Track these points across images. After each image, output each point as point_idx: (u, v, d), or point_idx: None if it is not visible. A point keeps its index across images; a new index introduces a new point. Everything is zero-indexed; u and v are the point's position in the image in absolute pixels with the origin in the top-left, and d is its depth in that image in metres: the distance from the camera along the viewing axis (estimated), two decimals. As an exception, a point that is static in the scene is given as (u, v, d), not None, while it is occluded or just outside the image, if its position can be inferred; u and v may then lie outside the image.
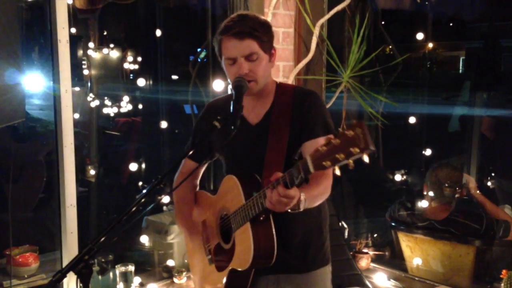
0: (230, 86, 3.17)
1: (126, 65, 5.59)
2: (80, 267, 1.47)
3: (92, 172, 4.70)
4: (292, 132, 1.81)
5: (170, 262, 3.31)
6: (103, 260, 3.23)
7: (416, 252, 3.60)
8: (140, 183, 5.15)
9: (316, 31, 3.24)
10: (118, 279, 2.98)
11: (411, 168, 4.86)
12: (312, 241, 1.91)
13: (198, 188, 2.13)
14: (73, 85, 2.71)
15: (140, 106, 6.10)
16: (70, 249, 2.70)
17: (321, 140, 1.72)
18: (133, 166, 4.73)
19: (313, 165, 1.40)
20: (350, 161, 1.32)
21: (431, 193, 3.58)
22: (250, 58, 1.77)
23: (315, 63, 3.34)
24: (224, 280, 1.84)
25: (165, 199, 3.70)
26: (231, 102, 1.70)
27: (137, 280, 3.09)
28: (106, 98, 5.68)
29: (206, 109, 2.08)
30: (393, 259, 3.77)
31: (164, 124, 4.62)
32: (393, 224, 3.76)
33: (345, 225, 3.42)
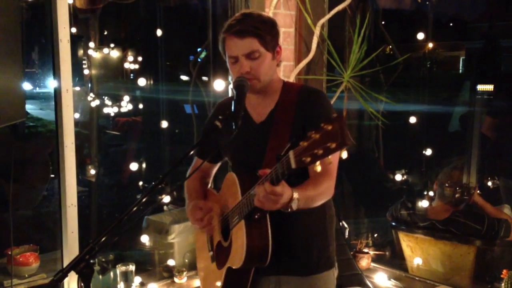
0: (230, 86, 3.19)
1: (127, 65, 5.58)
2: (82, 266, 1.46)
3: (92, 172, 4.69)
4: (294, 131, 1.79)
5: (171, 262, 3.31)
6: (103, 259, 3.23)
7: (417, 252, 3.60)
8: (141, 183, 5.15)
9: (317, 31, 3.24)
10: (118, 278, 2.98)
11: (411, 168, 4.86)
12: (315, 243, 1.87)
13: (209, 186, 2.13)
14: (74, 85, 2.71)
15: (141, 106, 6.10)
16: (71, 248, 2.69)
17: None
18: (134, 166, 4.73)
19: (295, 161, 1.36)
20: (330, 157, 1.30)
21: (439, 192, 3.58)
22: (252, 56, 1.77)
23: (316, 63, 3.34)
24: (223, 277, 1.84)
25: (166, 199, 3.71)
26: (232, 102, 1.70)
27: (137, 279, 3.09)
28: (106, 98, 5.68)
29: (217, 107, 2.08)
30: (394, 259, 3.77)
31: (164, 124, 4.62)
32: (393, 223, 3.77)
33: (345, 225, 3.42)
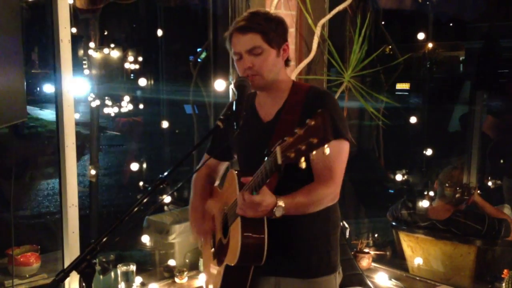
0: (231, 86, 3.19)
1: (127, 65, 5.58)
2: (83, 266, 1.46)
3: (93, 172, 4.69)
4: None
5: (171, 262, 3.31)
6: (104, 259, 3.23)
7: (417, 252, 3.60)
8: (141, 183, 5.15)
9: (318, 31, 3.24)
10: (119, 278, 2.98)
11: (412, 168, 4.86)
12: (316, 247, 1.86)
13: (216, 183, 2.14)
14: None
15: (141, 106, 6.10)
16: (72, 248, 2.69)
17: (331, 143, 1.72)
18: (134, 166, 4.73)
19: (281, 157, 1.35)
20: (314, 152, 1.29)
21: (440, 192, 3.58)
22: (254, 52, 1.77)
23: (317, 63, 3.34)
24: (221, 275, 1.84)
25: (167, 199, 3.71)
26: (234, 102, 1.71)
27: (138, 280, 3.09)
28: (106, 98, 5.68)
29: (228, 106, 2.09)
30: (394, 259, 3.77)
31: (165, 124, 4.62)
32: (394, 223, 3.77)
33: (346, 225, 3.43)
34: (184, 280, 3.16)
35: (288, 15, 3.28)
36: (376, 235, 3.96)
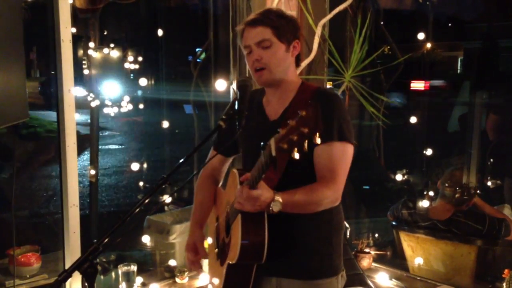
0: (232, 86, 3.19)
1: (127, 65, 5.57)
2: (86, 266, 1.46)
3: (92, 172, 4.69)
4: None
5: (172, 262, 3.31)
6: (104, 260, 3.23)
7: (418, 251, 3.60)
8: (141, 183, 5.15)
9: (318, 31, 3.24)
10: (120, 279, 2.98)
11: (412, 167, 4.86)
12: (317, 249, 1.86)
13: (220, 184, 2.14)
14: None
15: (141, 106, 6.10)
16: (73, 248, 2.69)
17: (335, 145, 1.72)
18: (134, 166, 4.72)
19: (275, 148, 1.35)
20: (305, 142, 1.30)
21: (441, 192, 3.58)
22: (263, 45, 1.78)
23: (317, 63, 3.34)
24: (224, 274, 1.84)
25: (168, 199, 3.72)
26: (236, 102, 1.71)
27: (139, 280, 3.09)
28: (106, 98, 5.67)
29: (230, 106, 2.09)
30: (395, 259, 3.77)
31: (165, 124, 4.62)
32: (394, 223, 3.77)
33: (347, 225, 3.43)
34: (185, 280, 3.16)
35: (288, 15, 3.28)
36: (376, 235, 3.97)
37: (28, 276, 2.93)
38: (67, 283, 2.74)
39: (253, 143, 1.90)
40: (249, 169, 1.79)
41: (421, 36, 4.59)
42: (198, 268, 2.06)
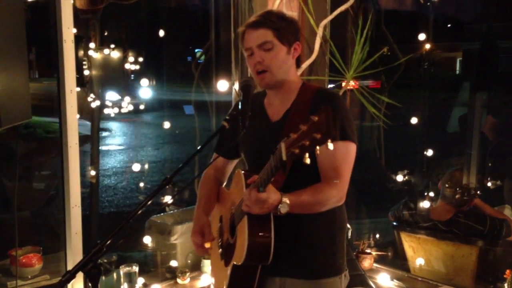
0: (234, 86, 3.19)
1: (127, 66, 5.56)
2: (89, 267, 1.46)
3: (93, 173, 4.68)
4: None
5: (173, 263, 3.31)
6: (105, 260, 3.23)
7: (419, 252, 3.61)
8: (142, 184, 5.15)
9: (320, 32, 3.25)
10: (122, 279, 2.98)
11: (413, 168, 4.86)
12: (321, 249, 1.86)
13: (224, 185, 2.14)
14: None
15: (142, 107, 6.09)
16: (75, 249, 2.69)
17: (339, 145, 1.71)
18: (135, 167, 4.72)
19: (286, 153, 1.35)
20: (317, 148, 1.30)
21: (442, 192, 3.59)
22: (264, 47, 1.78)
23: (318, 63, 3.34)
24: (228, 275, 1.83)
25: (169, 200, 3.71)
26: (239, 103, 1.71)
27: (140, 280, 3.09)
28: (106, 98, 5.66)
29: (234, 106, 2.09)
30: (396, 260, 3.78)
31: (166, 125, 4.61)
32: (395, 224, 3.77)
33: (348, 226, 3.42)
34: (186, 281, 3.16)
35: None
36: (377, 236, 3.97)
37: (29, 277, 2.92)
38: (69, 284, 2.74)
39: (255, 144, 1.90)
40: (251, 170, 1.80)
41: (422, 37, 4.59)
42: (206, 252, 2.02)
